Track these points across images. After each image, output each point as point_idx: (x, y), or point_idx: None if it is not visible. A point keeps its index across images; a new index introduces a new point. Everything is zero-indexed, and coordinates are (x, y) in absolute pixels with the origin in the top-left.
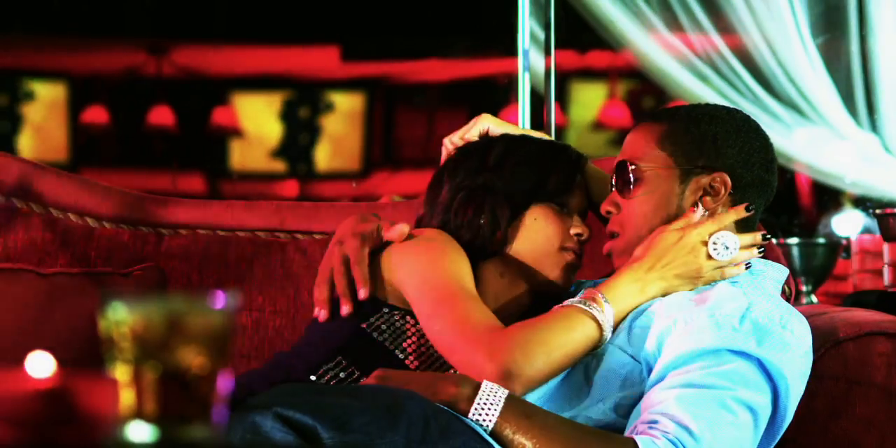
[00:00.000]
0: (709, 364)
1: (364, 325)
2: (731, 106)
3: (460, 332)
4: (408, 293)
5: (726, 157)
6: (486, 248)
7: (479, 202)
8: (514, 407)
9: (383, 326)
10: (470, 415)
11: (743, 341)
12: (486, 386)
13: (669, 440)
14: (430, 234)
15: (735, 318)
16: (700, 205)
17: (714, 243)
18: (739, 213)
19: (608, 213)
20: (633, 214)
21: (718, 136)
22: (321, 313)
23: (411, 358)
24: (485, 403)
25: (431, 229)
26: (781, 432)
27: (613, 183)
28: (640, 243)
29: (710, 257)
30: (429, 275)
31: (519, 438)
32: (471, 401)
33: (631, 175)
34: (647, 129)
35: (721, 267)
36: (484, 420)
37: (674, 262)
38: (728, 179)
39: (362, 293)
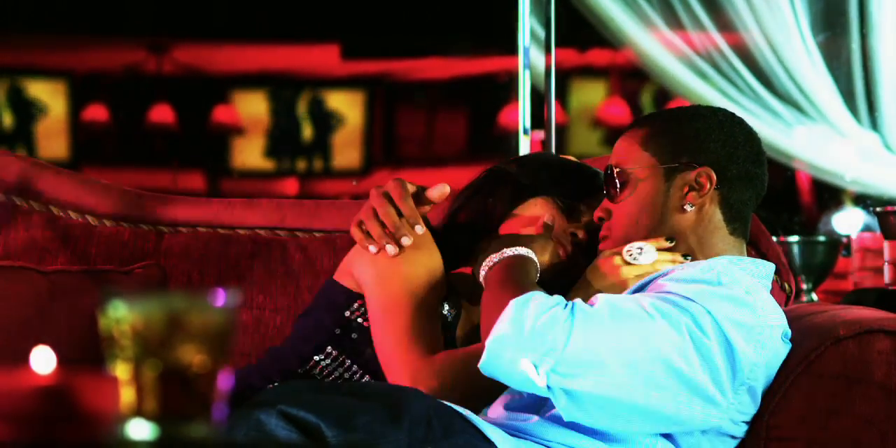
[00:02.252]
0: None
1: (347, 314)
2: (724, 106)
3: (395, 347)
4: (364, 289)
5: (709, 151)
6: (486, 228)
7: (492, 184)
8: (504, 268)
9: (366, 313)
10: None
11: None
12: (518, 249)
13: (568, 302)
14: None
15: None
16: (687, 201)
17: (628, 251)
18: (661, 243)
19: (600, 219)
20: (622, 216)
21: (700, 132)
22: (387, 248)
23: None
24: (491, 259)
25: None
26: (746, 379)
27: (605, 191)
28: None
29: (627, 264)
30: (384, 278)
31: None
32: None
33: (616, 179)
34: (631, 134)
35: (646, 272)
36: (480, 272)
37: (594, 280)
38: (712, 173)
39: (419, 229)
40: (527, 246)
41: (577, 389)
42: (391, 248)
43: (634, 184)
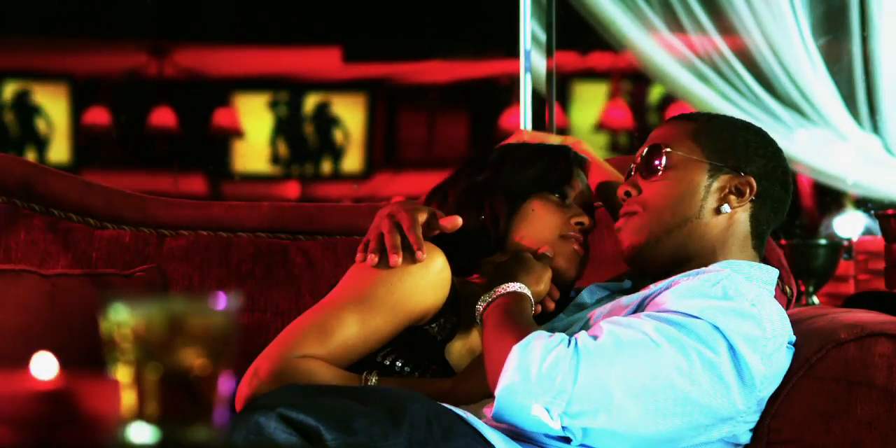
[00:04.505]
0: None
1: None
2: (725, 109)
3: (282, 334)
4: None
5: (754, 164)
6: (491, 244)
7: (479, 199)
8: (498, 308)
9: None
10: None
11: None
12: (509, 285)
13: (571, 339)
14: None
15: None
16: (726, 204)
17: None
18: None
19: (627, 194)
20: (659, 195)
21: (750, 143)
22: (369, 256)
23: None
24: (491, 296)
25: None
26: (759, 391)
27: (637, 167)
28: (658, 226)
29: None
30: (349, 277)
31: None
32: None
33: (663, 158)
34: (682, 123)
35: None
36: (479, 309)
37: None
38: (755, 184)
39: (420, 255)
40: (518, 279)
41: (592, 427)
42: (372, 257)
43: (678, 168)
